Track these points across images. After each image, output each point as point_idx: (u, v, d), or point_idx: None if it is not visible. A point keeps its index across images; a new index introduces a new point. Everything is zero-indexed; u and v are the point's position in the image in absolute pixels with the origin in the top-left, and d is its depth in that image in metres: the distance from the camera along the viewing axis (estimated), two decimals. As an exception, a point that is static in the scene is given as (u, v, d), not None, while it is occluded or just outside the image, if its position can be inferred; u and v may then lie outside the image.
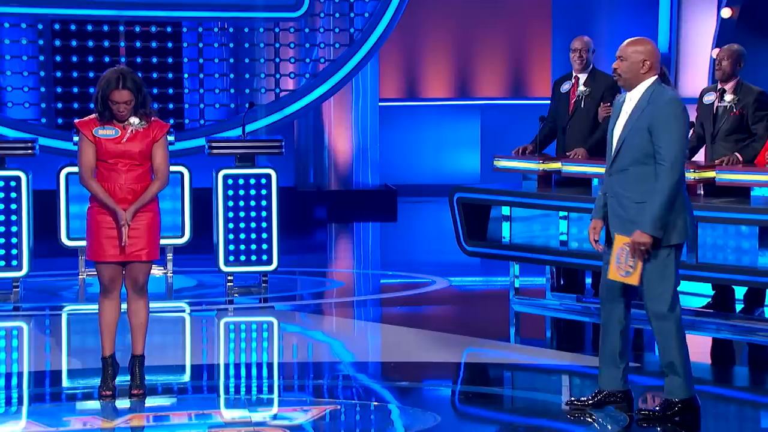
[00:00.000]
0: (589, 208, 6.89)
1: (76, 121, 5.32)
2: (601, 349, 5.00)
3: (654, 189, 4.74)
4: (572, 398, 5.11)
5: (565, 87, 7.42)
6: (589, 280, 7.42)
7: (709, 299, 6.98)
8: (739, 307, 6.86)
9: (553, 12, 12.92)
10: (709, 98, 6.89)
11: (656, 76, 4.83)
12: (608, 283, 4.94)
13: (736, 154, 6.65)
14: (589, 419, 4.96)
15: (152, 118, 5.28)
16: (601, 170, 6.97)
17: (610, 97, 7.25)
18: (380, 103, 12.41)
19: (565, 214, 7.03)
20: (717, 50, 6.98)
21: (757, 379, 5.99)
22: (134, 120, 5.24)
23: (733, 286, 6.77)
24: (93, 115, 5.29)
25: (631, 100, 4.86)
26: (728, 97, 6.77)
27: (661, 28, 11.77)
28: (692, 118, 7.14)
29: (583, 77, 7.37)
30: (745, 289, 6.78)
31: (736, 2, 11.04)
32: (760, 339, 6.43)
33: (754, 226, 6.27)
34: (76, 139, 5.35)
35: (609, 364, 4.98)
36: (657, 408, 4.91)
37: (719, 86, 6.84)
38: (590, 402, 5.00)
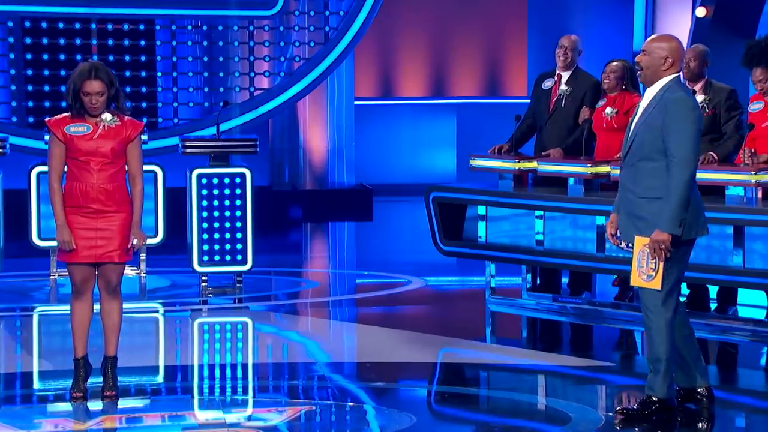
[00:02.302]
0: (565, 207, 6.93)
1: (48, 119, 5.25)
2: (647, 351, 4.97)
3: (668, 187, 4.77)
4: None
5: (548, 84, 7.41)
6: (565, 280, 7.42)
7: (684, 298, 6.99)
8: (712, 306, 6.88)
9: (529, 12, 12.94)
10: (681, 98, 6.89)
11: (677, 74, 4.87)
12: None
13: (711, 153, 6.67)
14: (566, 418, 4.94)
15: (126, 117, 5.22)
16: (577, 170, 7.02)
17: (591, 98, 7.25)
18: (356, 102, 12.38)
19: (541, 213, 7.02)
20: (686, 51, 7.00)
21: (732, 378, 6.00)
22: (106, 116, 5.18)
23: (708, 285, 6.79)
24: (65, 114, 5.22)
25: (648, 96, 4.90)
26: (699, 97, 6.79)
27: (636, 27, 11.81)
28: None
29: (565, 76, 7.36)
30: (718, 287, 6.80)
31: (711, 1, 11.09)
32: (735, 338, 6.45)
33: (729, 225, 6.28)
34: (47, 137, 5.28)
35: (677, 359, 4.94)
36: (635, 407, 4.91)
37: (689, 86, 6.86)
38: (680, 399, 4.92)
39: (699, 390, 5.02)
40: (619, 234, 4.96)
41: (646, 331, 4.92)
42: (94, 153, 5.15)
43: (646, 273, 4.79)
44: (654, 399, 4.88)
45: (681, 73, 4.89)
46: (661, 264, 4.77)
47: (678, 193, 4.75)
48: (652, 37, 4.95)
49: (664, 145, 4.77)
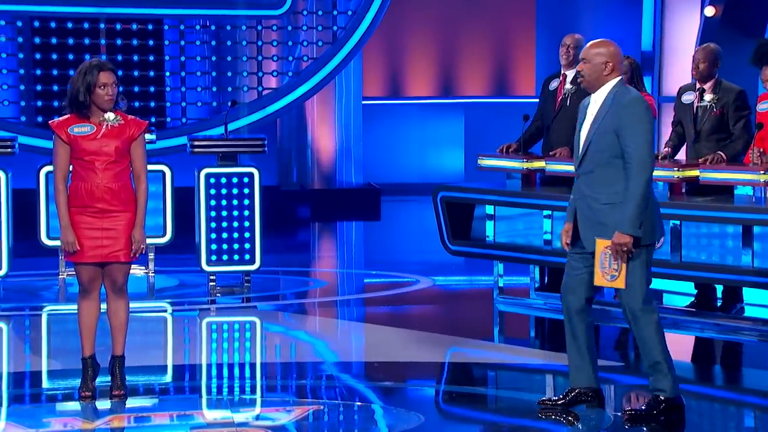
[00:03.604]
0: (573, 206, 6.91)
1: (51, 121, 5.26)
2: (568, 347, 4.99)
3: (626, 189, 4.78)
4: (543, 398, 5.09)
5: (553, 85, 7.41)
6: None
7: (693, 298, 6.98)
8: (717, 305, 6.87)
9: (537, 11, 12.93)
10: (688, 98, 6.89)
11: (620, 77, 4.90)
12: (568, 281, 4.96)
13: (720, 153, 6.65)
14: (572, 418, 4.94)
15: (129, 117, 5.24)
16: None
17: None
18: (364, 102, 12.38)
19: (549, 212, 7.01)
20: (696, 52, 6.98)
21: (741, 378, 5.99)
22: (109, 116, 5.19)
23: (716, 285, 6.77)
24: (69, 115, 5.23)
25: (595, 101, 4.92)
26: (708, 96, 6.77)
27: (644, 26, 11.79)
28: (671, 116, 7.17)
29: (570, 75, 7.36)
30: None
31: (720, 1, 11.06)
32: (744, 338, 6.44)
33: (738, 225, 6.27)
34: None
35: (578, 361, 4.96)
36: (643, 407, 4.90)
37: (698, 86, 6.85)
38: (561, 401, 4.99)
39: (590, 393, 5.00)
40: (579, 243, 4.93)
41: (636, 336, 4.91)
42: (98, 153, 5.16)
43: (609, 273, 4.82)
44: (661, 398, 4.88)
45: (623, 76, 4.92)
46: (624, 265, 4.79)
47: (638, 195, 4.75)
48: (590, 44, 4.97)
49: (620, 148, 4.77)
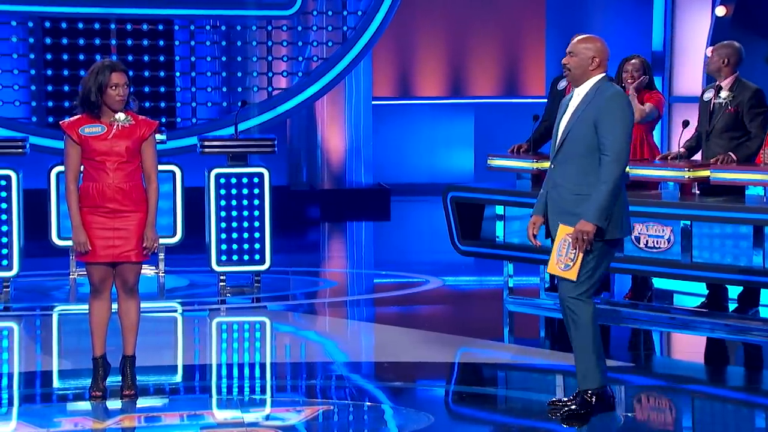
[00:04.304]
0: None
1: (62, 122, 5.28)
2: (574, 347, 4.98)
3: (598, 180, 4.78)
4: (553, 399, 5.08)
5: (562, 85, 7.41)
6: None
7: (704, 299, 6.96)
8: (732, 306, 6.84)
9: (547, 11, 12.91)
10: (707, 95, 6.88)
11: (604, 74, 4.91)
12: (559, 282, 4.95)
13: (731, 153, 6.64)
14: (584, 419, 4.93)
15: (140, 117, 5.25)
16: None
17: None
18: (373, 102, 12.39)
19: (559, 213, 6.99)
20: (710, 49, 6.97)
21: (751, 379, 5.98)
22: (120, 116, 5.21)
23: (727, 286, 6.76)
24: (80, 115, 5.25)
25: (578, 95, 4.93)
26: (723, 93, 6.76)
27: (655, 26, 11.77)
28: (689, 116, 7.15)
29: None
30: (740, 288, 6.77)
31: (731, 0, 11.03)
32: (755, 338, 6.42)
33: (749, 226, 6.26)
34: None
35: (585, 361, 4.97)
36: (575, 406, 4.90)
37: (717, 83, 6.83)
38: (571, 402, 4.98)
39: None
40: (545, 235, 4.93)
41: (568, 324, 4.88)
42: (109, 153, 5.18)
43: (563, 262, 4.80)
44: (589, 394, 4.85)
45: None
46: (581, 255, 4.77)
47: (609, 186, 4.76)
48: (578, 38, 4.98)
49: (598, 140, 4.78)
